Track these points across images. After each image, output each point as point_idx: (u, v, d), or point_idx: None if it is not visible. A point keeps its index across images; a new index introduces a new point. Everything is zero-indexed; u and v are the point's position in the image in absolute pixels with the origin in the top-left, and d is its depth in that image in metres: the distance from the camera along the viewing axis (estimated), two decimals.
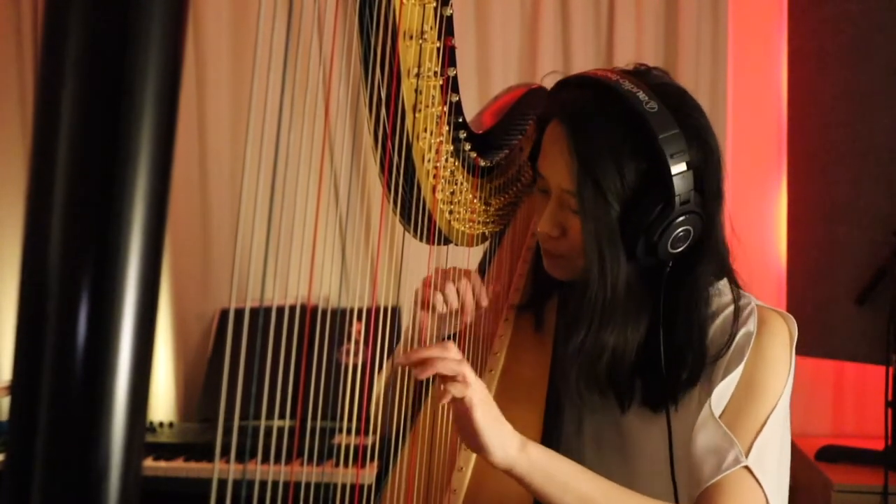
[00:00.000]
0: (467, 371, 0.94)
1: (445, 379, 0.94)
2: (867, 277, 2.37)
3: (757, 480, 0.99)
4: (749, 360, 1.04)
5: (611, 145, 1.02)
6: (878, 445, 2.39)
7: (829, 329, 2.48)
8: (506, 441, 0.95)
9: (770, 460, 1.01)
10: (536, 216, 1.14)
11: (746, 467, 0.99)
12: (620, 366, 1.08)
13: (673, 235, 1.02)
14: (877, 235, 2.37)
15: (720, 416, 1.03)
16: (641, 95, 1.01)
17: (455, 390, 0.93)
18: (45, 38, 0.40)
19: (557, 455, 0.98)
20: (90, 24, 0.40)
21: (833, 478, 2.30)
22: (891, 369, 2.27)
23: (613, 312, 1.05)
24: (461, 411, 0.95)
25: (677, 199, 1.01)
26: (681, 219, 1.02)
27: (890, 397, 2.28)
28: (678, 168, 1.00)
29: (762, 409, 1.03)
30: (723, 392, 1.04)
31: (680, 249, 1.04)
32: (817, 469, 2.38)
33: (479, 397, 0.94)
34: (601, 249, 1.03)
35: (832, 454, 2.47)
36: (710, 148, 1.05)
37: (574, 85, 1.09)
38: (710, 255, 1.08)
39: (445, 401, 0.94)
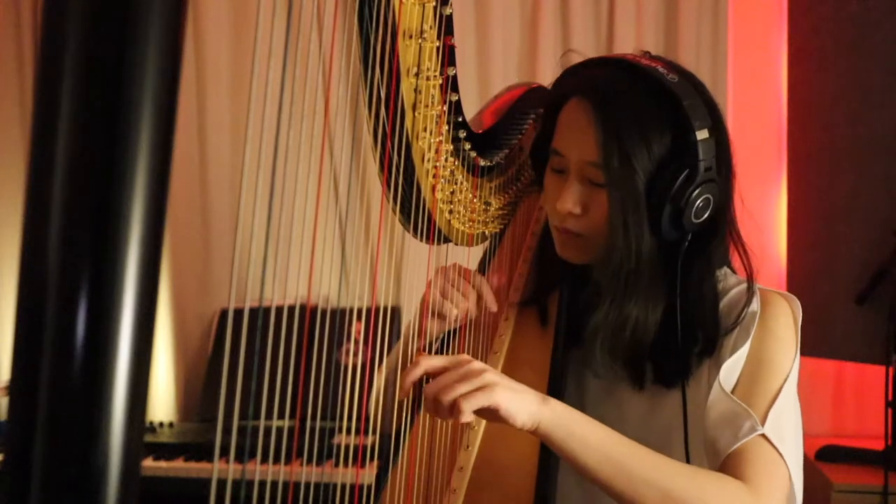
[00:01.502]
0: (488, 378, 0.92)
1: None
2: (867, 277, 2.37)
3: (775, 447, 0.98)
4: (755, 338, 1.05)
5: (636, 114, 1.03)
6: (878, 445, 2.39)
7: (829, 329, 2.48)
8: (529, 403, 0.92)
9: (786, 428, 1.01)
10: (549, 198, 1.13)
11: (763, 435, 0.98)
12: (642, 340, 1.08)
13: (696, 204, 1.03)
14: (877, 235, 2.37)
15: (732, 391, 1.03)
16: (661, 69, 1.04)
17: (480, 401, 0.90)
18: (44, 37, 0.40)
19: (578, 412, 0.96)
20: (88, 24, 0.40)
21: (833, 478, 2.30)
22: (891, 369, 2.27)
23: (637, 283, 1.05)
24: (489, 411, 0.92)
25: (701, 164, 1.02)
26: (703, 186, 1.03)
27: (890, 397, 2.28)
28: (702, 134, 1.02)
29: (773, 381, 1.03)
30: (731, 368, 1.04)
31: (702, 219, 1.05)
32: (817, 469, 2.38)
33: (504, 392, 0.91)
34: (626, 219, 1.03)
35: (832, 454, 2.47)
36: (721, 119, 1.07)
37: (593, 64, 1.11)
38: (723, 230, 1.09)
39: (471, 418, 0.92)
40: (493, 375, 0.93)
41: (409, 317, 1.21)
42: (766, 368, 1.04)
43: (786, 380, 1.03)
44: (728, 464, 0.99)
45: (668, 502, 0.92)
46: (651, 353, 1.09)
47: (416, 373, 0.95)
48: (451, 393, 0.91)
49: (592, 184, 1.07)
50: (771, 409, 1.01)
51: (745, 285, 1.10)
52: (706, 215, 1.05)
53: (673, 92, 1.02)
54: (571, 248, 1.13)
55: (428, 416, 1.15)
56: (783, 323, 1.07)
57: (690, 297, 1.07)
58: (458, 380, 0.92)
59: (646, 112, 1.03)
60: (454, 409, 0.90)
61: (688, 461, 1.03)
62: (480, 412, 0.94)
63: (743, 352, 1.05)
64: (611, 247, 1.05)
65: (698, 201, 1.03)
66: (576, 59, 1.16)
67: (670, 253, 1.07)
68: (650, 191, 1.03)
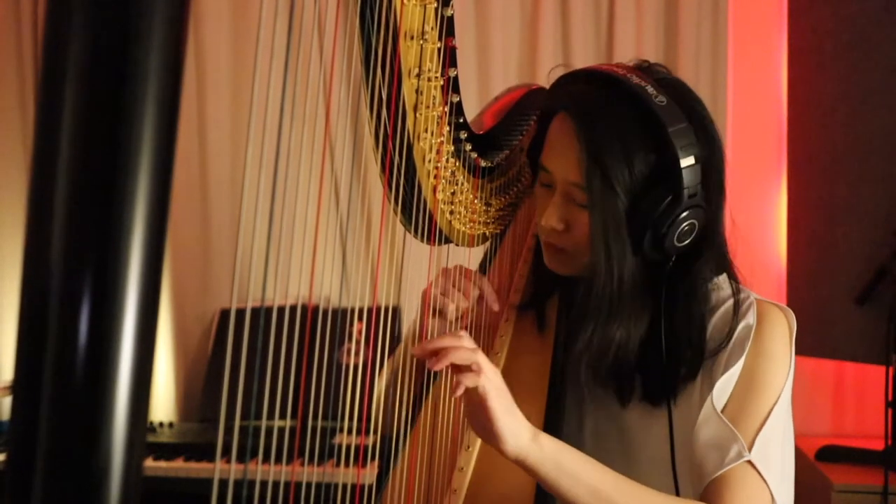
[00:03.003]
0: (481, 359, 0.93)
1: (459, 370, 0.93)
2: (867, 277, 2.37)
3: (760, 475, 0.99)
4: (749, 354, 1.05)
5: (620, 137, 1.02)
6: (878, 445, 2.39)
7: (829, 329, 2.48)
8: (519, 430, 0.93)
9: (774, 454, 1.01)
10: (538, 211, 1.14)
11: (749, 462, 0.99)
12: (625, 360, 1.08)
13: (679, 229, 1.02)
14: (877, 235, 2.37)
15: (722, 411, 1.03)
16: (650, 89, 1.02)
17: (468, 380, 0.91)
18: (47, 41, 0.40)
19: (568, 446, 0.96)
20: (91, 28, 0.40)
21: (833, 478, 2.30)
22: (891, 369, 2.27)
23: (620, 306, 1.05)
24: (475, 401, 0.93)
25: (686, 191, 1.01)
26: (688, 212, 1.02)
27: (890, 397, 2.28)
28: (687, 161, 1.01)
29: (764, 402, 1.03)
30: (724, 386, 1.04)
31: (685, 243, 1.04)
32: (817, 469, 2.38)
33: (494, 385, 0.93)
34: (608, 242, 1.03)
35: (832, 454, 2.47)
36: (715, 141, 1.06)
37: (582, 78, 1.09)
38: (710, 250, 1.08)
39: (459, 392, 0.92)
40: (496, 377, 0.94)
41: (409, 317, 1.21)
42: (758, 389, 1.03)
43: (777, 401, 1.03)
44: (712, 489, 0.99)
45: None
46: (638, 370, 1.09)
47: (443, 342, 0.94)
48: (450, 353, 0.92)
49: (576, 202, 1.07)
50: (759, 433, 1.01)
51: (740, 296, 1.10)
52: (689, 240, 1.05)
53: (658, 116, 1.00)
54: (556, 262, 1.14)
55: (429, 417, 1.15)
56: (779, 339, 1.06)
57: (677, 318, 1.07)
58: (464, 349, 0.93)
59: (629, 134, 1.02)
60: (440, 356, 0.92)
61: (675, 479, 1.04)
62: (473, 425, 0.94)
63: (736, 369, 1.04)
64: (592, 270, 1.05)
65: (682, 226, 1.03)
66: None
67: (655, 272, 1.07)
68: (632, 212, 1.03)
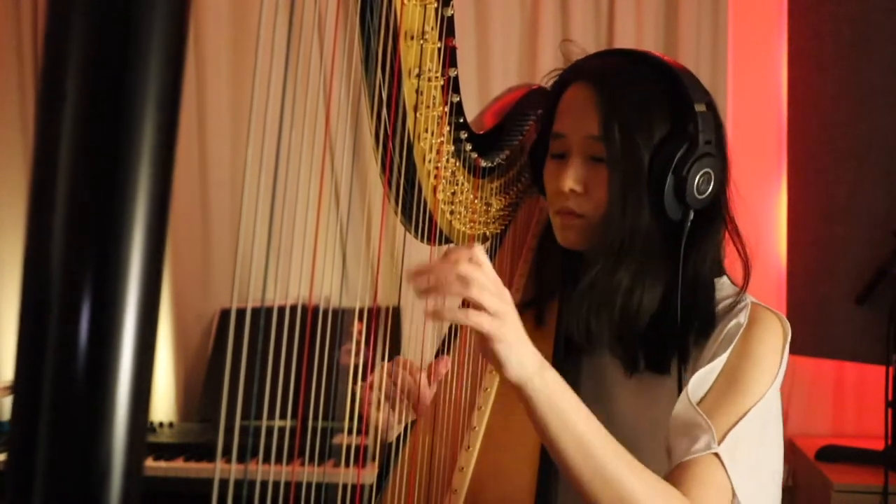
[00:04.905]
0: (504, 306, 0.89)
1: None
2: (867, 277, 2.37)
3: (725, 470, 0.97)
4: (734, 352, 1.03)
5: (637, 92, 1.07)
6: (878, 445, 2.39)
7: (829, 329, 2.48)
8: (525, 358, 0.90)
9: (744, 454, 0.99)
10: (551, 185, 1.12)
11: (717, 455, 0.97)
12: (635, 315, 1.07)
13: (698, 178, 1.04)
14: (877, 235, 2.37)
15: (699, 403, 1.01)
16: (657, 54, 1.09)
17: (486, 324, 0.87)
18: (47, 40, 0.40)
19: (571, 391, 0.93)
20: (91, 28, 0.40)
21: (833, 478, 2.30)
22: (891, 369, 2.27)
23: (630, 254, 1.06)
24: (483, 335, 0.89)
25: (701, 136, 1.04)
26: (704, 159, 1.05)
27: (890, 397, 2.28)
28: (700, 108, 1.05)
29: (742, 402, 1.01)
30: (703, 378, 1.02)
31: (704, 196, 1.06)
32: (817, 469, 2.38)
33: (511, 320, 0.89)
34: (626, 193, 1.05)
35: (832, 454, 2.47)
36: (716, 107, 1.10)
37: (593, 56, 1.16)
38: (720, 216, 1.10)
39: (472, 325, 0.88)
40: (511, 313, 0.90)
41: (409, 317, 1.21)
42: (737, 389, 1.01)
43: (755, 404, 1.00)
44: (676, 474, 0.98)
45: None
46: (646, 338, 1.09)
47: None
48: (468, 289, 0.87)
49: (594, 160, 1.08)
50: (731, 430, 0.98)
51: (737, 297, 1.09)
52: (709, 191, 1.06)
53: (672, 70, 1.06)
54: (572, 231, 1.11)
55: (429, 417, 1.15)
56: (768, 344, 1.04)
57: (687, 282, 1.07)
58: (483, 286, 0.88)
59: (646, 90, 1.07)
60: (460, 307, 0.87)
61: None
62: (479, 347, 0.91)
63: (717, 363, 1.03)
64: (608, 219, 1.06)
65: (699, 175, 1.04)
66: (574, 48, 1.20)
67: (671, 237, 1.07)
68: (651, 169, 1.04)
